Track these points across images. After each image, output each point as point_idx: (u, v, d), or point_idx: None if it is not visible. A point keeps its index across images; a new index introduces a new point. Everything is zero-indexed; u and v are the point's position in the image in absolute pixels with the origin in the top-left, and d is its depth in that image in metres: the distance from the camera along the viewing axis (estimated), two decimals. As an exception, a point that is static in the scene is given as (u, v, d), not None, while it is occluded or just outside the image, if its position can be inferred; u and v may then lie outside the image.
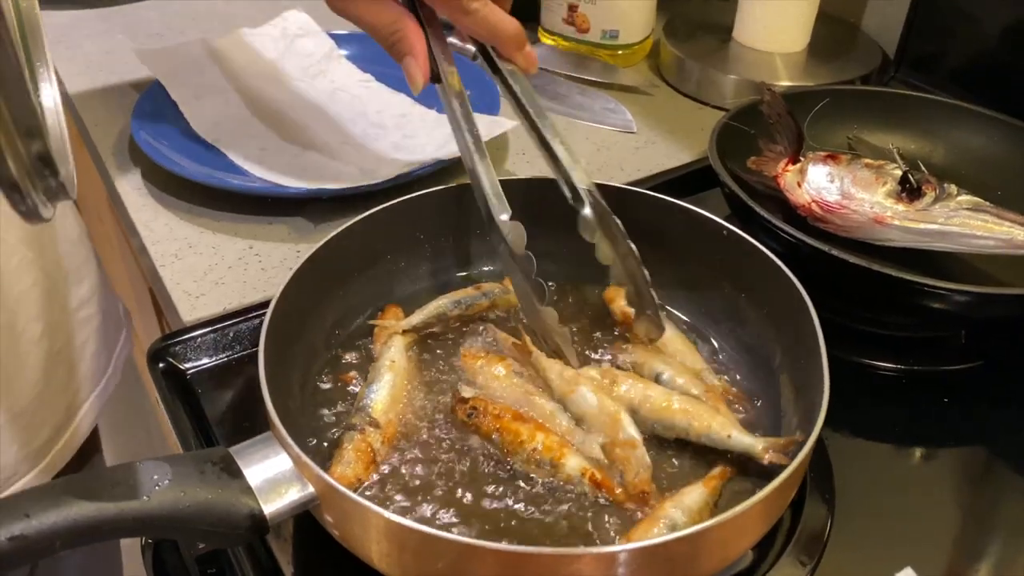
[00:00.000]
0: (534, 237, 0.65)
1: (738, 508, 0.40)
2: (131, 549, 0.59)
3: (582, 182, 0.56)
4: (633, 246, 0.56)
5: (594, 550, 0.40)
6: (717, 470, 0.49)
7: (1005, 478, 0.58)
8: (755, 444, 0.49)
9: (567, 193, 0.57)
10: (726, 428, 0.50)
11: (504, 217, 0.55)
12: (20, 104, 0.32)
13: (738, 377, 0.57)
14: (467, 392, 0.52)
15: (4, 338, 0.63)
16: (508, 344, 0.57)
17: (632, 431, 0.49)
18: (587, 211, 0.56)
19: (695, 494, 0.47)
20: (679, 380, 0.55)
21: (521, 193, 0.64)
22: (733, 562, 0.46)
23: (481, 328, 0.59)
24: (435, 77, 0.58)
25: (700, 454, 0.51)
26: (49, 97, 0.38)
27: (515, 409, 0.51)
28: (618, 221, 0.56)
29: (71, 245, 0.73)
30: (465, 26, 0.58)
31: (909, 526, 0.53)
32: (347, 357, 0.57)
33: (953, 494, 0.57)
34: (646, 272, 0.56)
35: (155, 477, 0.39)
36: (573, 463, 0.48)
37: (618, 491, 0.48)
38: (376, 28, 0.58)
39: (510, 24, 0.59)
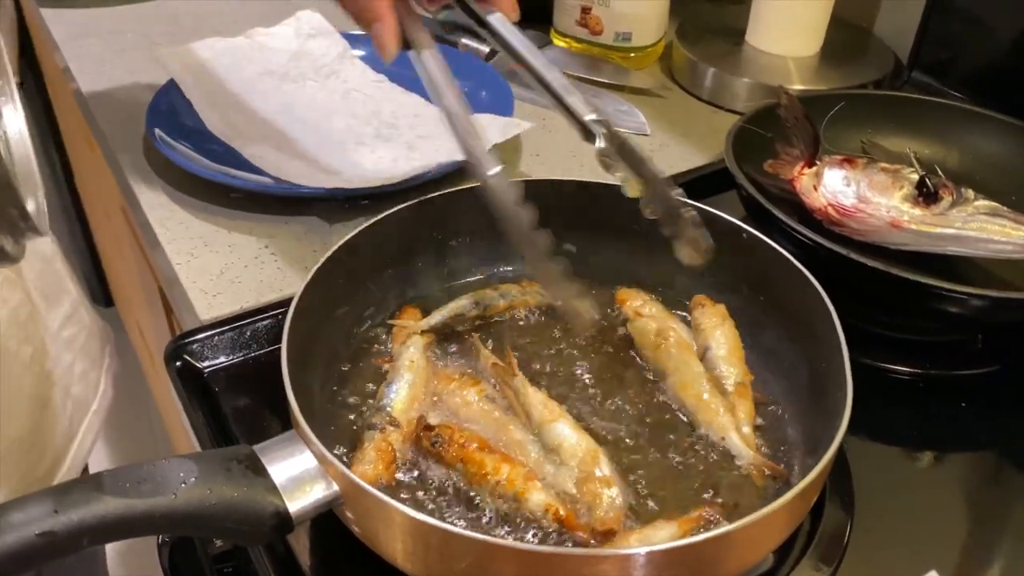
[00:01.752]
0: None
1: (762, 512, 0.40)
2: (117, 551, 0.58)
3: (589, 114, 0.53)
4: (659, 169, 0.53)
5: (621, 551, 0.40)
6: (696, 513, 0.47)
7: (1022, 482, 0.58)
8: (744, 455, 0.50)
9: (579, 133, 0.54)
10: (725, 430, 0.51)
11: (492, 171, 0.52)
12: None
13: (758, 381, 0.57)
14: (434, 419, 0.51)
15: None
16: (489, 363, 0.55)
17: (608, 470, 0.48)
18: (601, 144, 0.52)
19: (664, 532, 0.45)
20: (721, 365, 0.55)
21: (537, 194, 0.64)
22: (754, 565, 0.46)
23: (468, 338, 0.58)
24: (406, 44, 0.56)
25: (682, 499, 0.49)
26: (13, 125, 0.35)
27: (483, 438, 0.49)
28: (638, 146, 0.53)
29: (45, 264, 0.71)
30: None
31: (928, 530, 0.53)
32: (366, 357, 0.57)
33: (971, 498, 0.56)
34: (679, 191, 0.54)
35: (182, 475, 0.39)
36: (537, 498, 0.46)
37: (582, 530, 0.45)
38: None
39: None
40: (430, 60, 0.54)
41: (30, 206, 0.33)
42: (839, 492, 0.53)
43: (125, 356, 0.98)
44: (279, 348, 0.48)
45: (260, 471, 0.42)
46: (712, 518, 0.46)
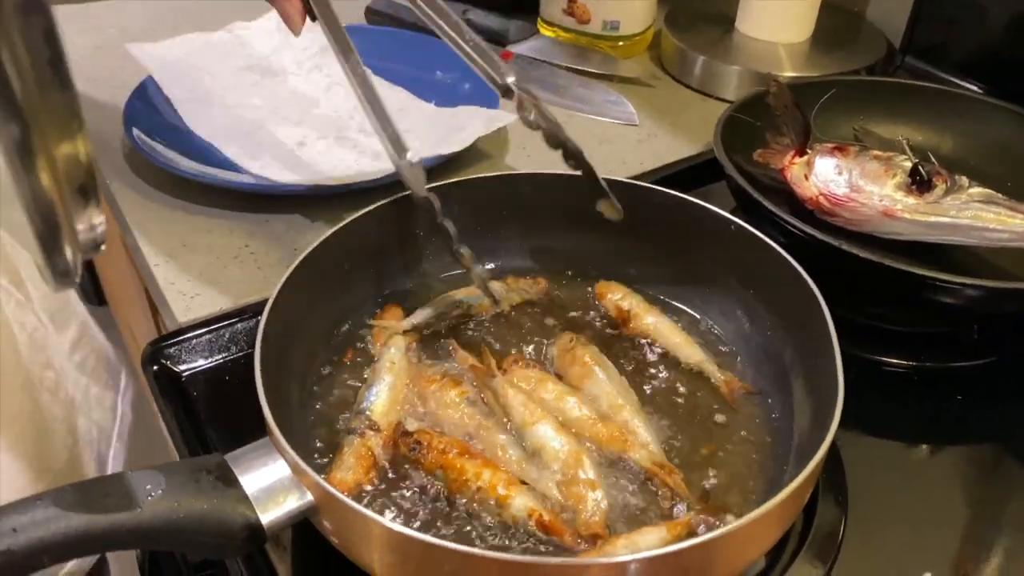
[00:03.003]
0: (534, 232, 0.64)
1: (754, 513, 0.38)
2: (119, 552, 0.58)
3: (509, 76, 0.56)
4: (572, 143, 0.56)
5: (603, 559, 0.39)
6: (685, 517, 0.46)
7: (1020, 475, 0.57)
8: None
9: (495, 89, 0.57)
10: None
11: (405, 160, 0.55)
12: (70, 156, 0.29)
13: (749, 374, 0.56)
14: (411, 425, 0.49)
15: (27, 391, 0.60)
16: (467, 363, 0.54)
17: (592, 472, 0.47)
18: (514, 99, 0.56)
19: (652, 536, 0.43)
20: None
21: (522, 188, 0.63)
22: (746, 568, 0.45)
23: (445, 342, 0.57)
24: (311, 15, 0.60)
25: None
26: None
27: (463, 442, 0.48)
28: (540, 104, 0.56)
29: (47, 287, 0.70)
30: None
31: (924, 525, 0.52)
32: (346, 359, 0.56)
33: (967, 491, 0.55)
34: (582, 153, 0.56)
35: (148, 487, 0.38)
36: (519, 503, 0.45)
37: (567, 535, 0.44)
38: None
39: None
40: (331, 37, 0.58)
41: (98, 221, 0.31)
42: (832, 488, 0.52)
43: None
44: (256, 352, 0.46)
45: (231, 481, 0.40)
46: (704, 522, 0.44)
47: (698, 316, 0.60)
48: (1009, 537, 0.53)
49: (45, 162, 0.29)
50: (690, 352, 0.56)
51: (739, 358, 0.57)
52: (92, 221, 0.31)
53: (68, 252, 0.31)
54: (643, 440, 0.49)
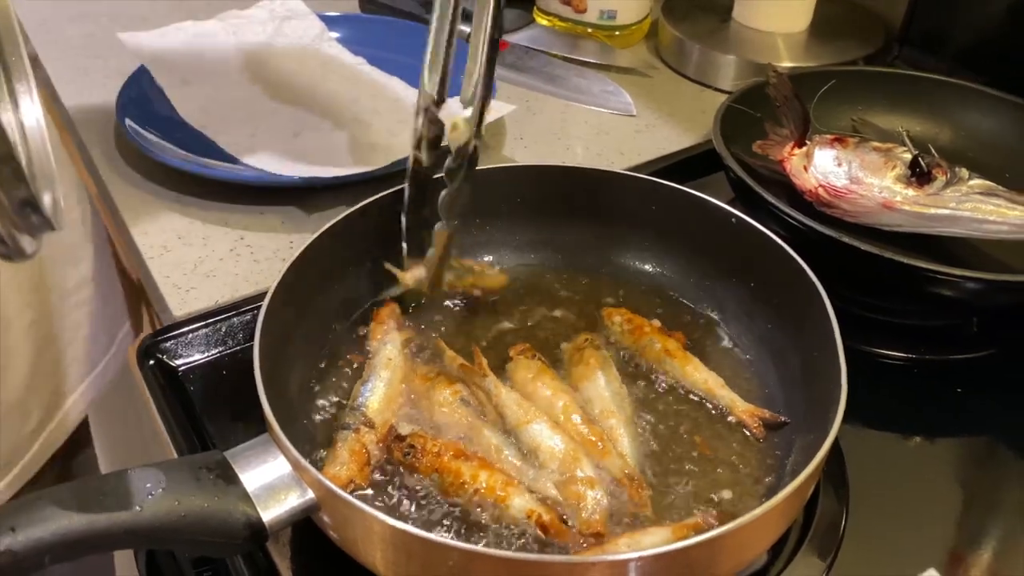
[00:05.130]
0: (532, 224, 0.63)
1: (759, 510, 0.38)
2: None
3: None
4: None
5: (608, 556, 0.39)
6: (693, 520, 0.45)
7: (1018, 466, 0.57)
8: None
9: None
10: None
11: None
12: None
13: (752, 372, 0.56)
14: (404, 428, 0.48)
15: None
16: (456, 364, 0.53)
17: (590, 470, 0.46)
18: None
19: (656, 537, 0.43)
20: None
21: (519, 180, 0.63)
22: (748, 565, 0.44)
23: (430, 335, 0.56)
24: None
25: (675, 502, 0.47)
26: (31, 116, 0.34)
27: (458, 444, 0.47)
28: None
29: (67, 223, 0.70)
30: None
31: (926, 518, 0.52)
32: (344, 354, 0.55)
33: (968, 483, 0.55)
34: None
35: (148, 486, 0.37)
36: (518, 504, 0.44)
37: (567, 535, 0.43)
38: None
39: None
40: None
41: (46, 200, 0.31)
42: (833, 483, 0.51)
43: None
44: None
45: (231, 479, 0.40)
46: (709, 525, 0.44)
47: (697, 309, 0.60)
48: (1011, 527, 0.53)
49: None
50: (705, 378, 0.54)
51: (741, 350, 0.57)
52: (21, 196, 0.30)
53: (11, 241, 0.31)
54: (621, 450, 0.49)
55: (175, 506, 0.37)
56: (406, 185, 0.55)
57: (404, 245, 0.56)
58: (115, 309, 0.76)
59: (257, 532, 0.39)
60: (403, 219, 0.56)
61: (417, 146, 0.54)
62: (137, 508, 0.37)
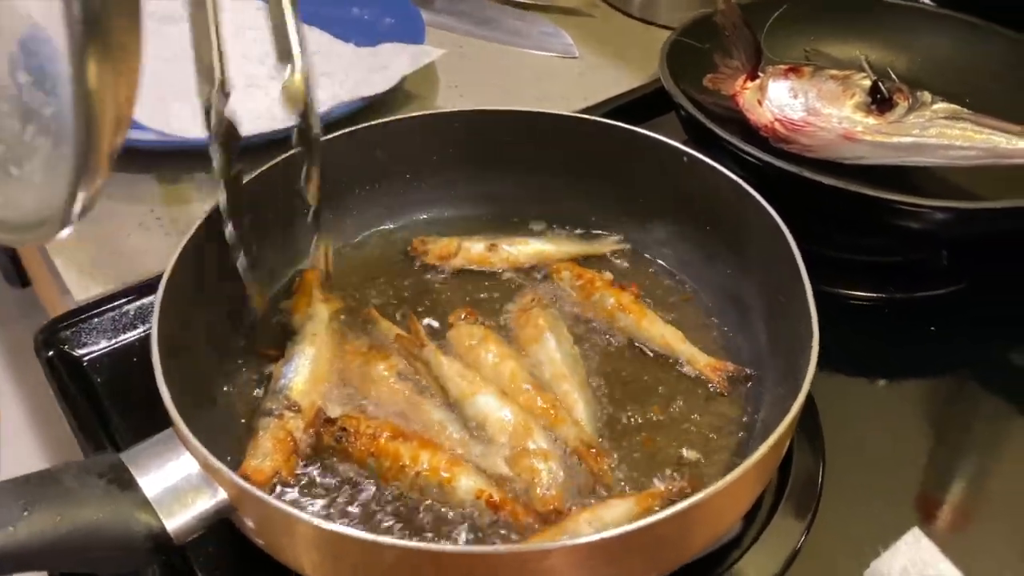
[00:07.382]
0: (470, 176, 0.58)
1: (731, 476, 0.34)
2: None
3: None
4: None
5: (566, 542, 0.34)
6: (658, 488, 0.41)
7: (997, 404, 0.54)
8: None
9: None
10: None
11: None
12: None
13: (713, 322, 0.52)
14: (335, 411, 0.44)
15: None
16: (392, 335, 0.48)
17: (544, 442, 0.42)
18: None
19: (619, 509, 0.39)
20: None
21: (454, 128, 0.57)
22: (722, 536, 0.41)
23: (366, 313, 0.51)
24: None
25: (638, 469, 0.44)
26: None
27: (394, 424, 0.43)
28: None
29: None
30: None
31: (903, 463, 0.49)
32: (263, 333, 0.50)
33: (944, 423, 0.53)
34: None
35: (21, 502, 0.32)
36: (465, 484, 0.40)
37: (521, 514, 0.40)
38: None
39: None
40: None
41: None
42: (807, 436, 0.48)
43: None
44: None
45: (127, 484, 0.35)
46: (679, 492, 0.40)
47: (656, 259, 0.56)
48: (989, 465, 0.51)
49: None
50: (663, 332, 0.50)
51: (702, 301, 0.53)
52: None
53: None
54: (576, 417, 0.44)
55: (57, 521, 0.32)
56: (219, 193, 0.45)
57: (240, 267, 0.47)
58: None
59: (162, 543, 0.34)
60: (227, 234, 0.45)
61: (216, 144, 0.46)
62: (10, 528, 0.31)
